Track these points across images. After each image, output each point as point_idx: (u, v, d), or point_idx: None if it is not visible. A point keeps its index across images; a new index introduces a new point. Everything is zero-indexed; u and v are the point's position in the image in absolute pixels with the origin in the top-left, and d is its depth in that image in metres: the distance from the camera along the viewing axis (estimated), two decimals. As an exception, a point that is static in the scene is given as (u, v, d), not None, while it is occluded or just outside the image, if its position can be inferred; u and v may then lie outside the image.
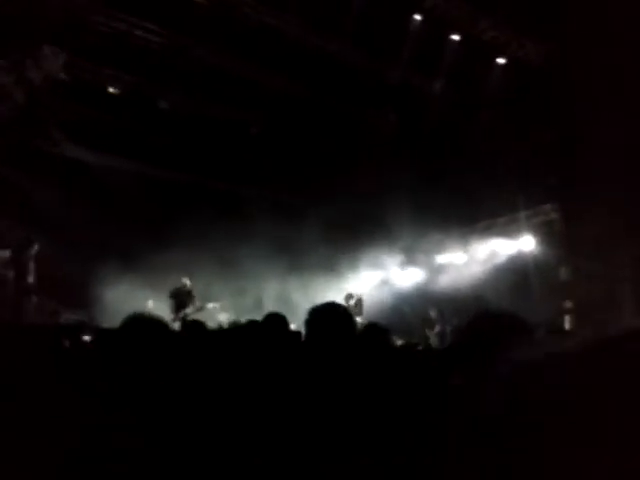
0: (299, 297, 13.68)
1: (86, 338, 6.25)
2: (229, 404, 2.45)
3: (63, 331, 6.21)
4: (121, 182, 13.35)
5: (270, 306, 12.74)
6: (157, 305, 13.13)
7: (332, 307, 2.93)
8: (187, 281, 13.17)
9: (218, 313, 14.24)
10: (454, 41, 12.57)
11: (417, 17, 12.29)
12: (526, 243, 13.38)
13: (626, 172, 10.87)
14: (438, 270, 15.39)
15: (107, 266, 13.10)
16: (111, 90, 12.93)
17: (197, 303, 13.16)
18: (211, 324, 13.15)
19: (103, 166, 13.66)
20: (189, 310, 12.75)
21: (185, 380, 2.59)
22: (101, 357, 3.30)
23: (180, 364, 2.82)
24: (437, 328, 13.70)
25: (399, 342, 11.09)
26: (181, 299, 12.90)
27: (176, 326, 11.52)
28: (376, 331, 4.05)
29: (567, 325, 11.72)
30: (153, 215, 13.95)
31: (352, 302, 13.38)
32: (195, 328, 5.01)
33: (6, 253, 11.42)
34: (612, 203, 11.12)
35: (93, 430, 2.09)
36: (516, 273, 13.15)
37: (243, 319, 7.40)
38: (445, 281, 14.71)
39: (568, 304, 12.05)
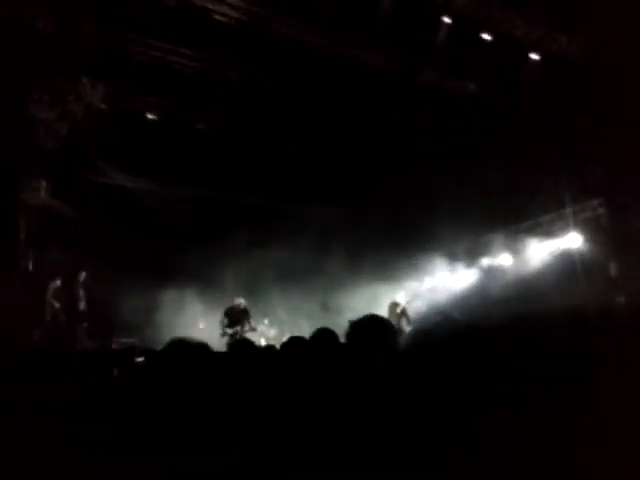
0: (352, 308, 13.62)
1: (139, 360, 6.35)
2: (272, 420, 2.46)
3: (114, 356, 6.34)
4: (166, 205, 13.58)
5: (323, 319, 12.80)
6: (212, 325, 13.32)
7: (371, 320, 2.92)
8: (241, 300, 13.21)
9: (268, 329, 14.36)
10: (486, 40, 12.44)
11: (447, 19, 12.23)
12: (573, 240, 13.10)
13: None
14: (487, 273, 15.19)
15: (159, 288, 13.35)
16: (150, 116, 13.14)
17: (252, 323, 13.20)
18: (264, 341, 13.41)
19: (148, 191, 13.93)
20: (239, 329, 12.80)
21: (225, 399, 2.62)
22: (149, 380, 3.37)
23: (222, 384, 2.84)
24: None
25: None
26: (234, 318, 12.97)
27: (223, 342, 11.72)
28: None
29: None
30: (201, 236, 14.14)
31: (398, 310, 13.29)
32: (242, 347, 5.03)
33: (57, 282, 11.72)
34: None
35: (138, 455, 2.13)
36: (565, 271, 12.90)
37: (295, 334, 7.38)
38: (494, 284, 14.50)
39: (620, 300, 11.72)
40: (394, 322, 13.05)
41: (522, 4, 11.92)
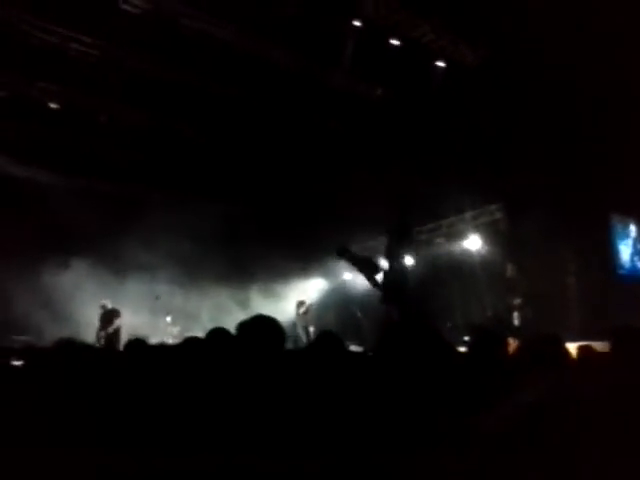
0: (252, 307, 13.62)
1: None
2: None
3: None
4: (62, 197, 13.10)
5: (222, 318, 12.71)
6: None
7: (260, 321, 2.93)
8: (107, 303, 13.19)
9: (170, 327, 14.12)
10: (394, 46, 12.59)
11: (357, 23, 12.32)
12: (473, 243, 13.56)
13: (562, 167, 11.17)
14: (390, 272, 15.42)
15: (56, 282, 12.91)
16: (51, 105, 12.55)
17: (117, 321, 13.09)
18: (165, 339, 13.22)
19: (44, 182, 13.45)
20: (111, 329, 12.74)
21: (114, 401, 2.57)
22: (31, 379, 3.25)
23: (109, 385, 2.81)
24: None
25: (354, 348, 11.17)
26: (106, 319, 12.97)
27: (100, 343, 12.16)
28: (329, 339, 3.95)
29: (516, 321, 11.86)
30: (100, 230, 13.70)
31: (302, 309, 13.39)
32: (134, 346, 4.92)
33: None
34: (553, 199, 11.41)
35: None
36: (464, 272, 13.33)
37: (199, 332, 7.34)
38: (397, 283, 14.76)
39: (516, 301, 12.19)
40: (300, 320, 13.18)
41: (430, 13, 12.15)
